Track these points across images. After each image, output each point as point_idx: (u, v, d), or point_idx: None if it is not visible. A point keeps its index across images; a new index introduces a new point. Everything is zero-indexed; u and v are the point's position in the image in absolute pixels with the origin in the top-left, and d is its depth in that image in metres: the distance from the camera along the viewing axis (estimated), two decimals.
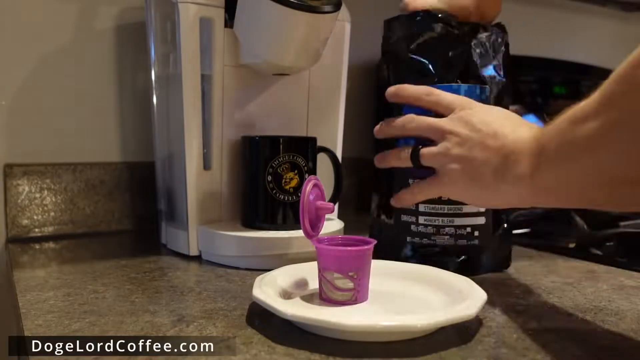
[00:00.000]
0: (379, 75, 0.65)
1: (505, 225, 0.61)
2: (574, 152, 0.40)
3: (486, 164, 0.48)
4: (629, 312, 0.48)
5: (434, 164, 0.53)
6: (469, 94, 0.56)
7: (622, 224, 0.80)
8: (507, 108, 0.57)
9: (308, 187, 0.49)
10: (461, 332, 0.42)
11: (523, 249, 0.71)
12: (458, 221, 0.58)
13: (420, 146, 0.54)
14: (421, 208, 0.59)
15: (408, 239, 0.60)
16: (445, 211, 0.58)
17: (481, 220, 0.58)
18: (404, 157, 0.56)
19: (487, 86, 0.58)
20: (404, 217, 0.60)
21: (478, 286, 0.46)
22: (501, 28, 0.62)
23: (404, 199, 0.58)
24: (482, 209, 0.58)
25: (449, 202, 0.57)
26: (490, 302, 0.48)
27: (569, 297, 0.52)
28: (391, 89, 0.56)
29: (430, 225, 0.59)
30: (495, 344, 0.41)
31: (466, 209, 0.58)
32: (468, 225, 0.58)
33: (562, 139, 0.41)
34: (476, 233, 0.58)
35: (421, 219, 0.59)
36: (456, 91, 0.56)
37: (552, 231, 0.82)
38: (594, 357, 0.38)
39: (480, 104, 0.53)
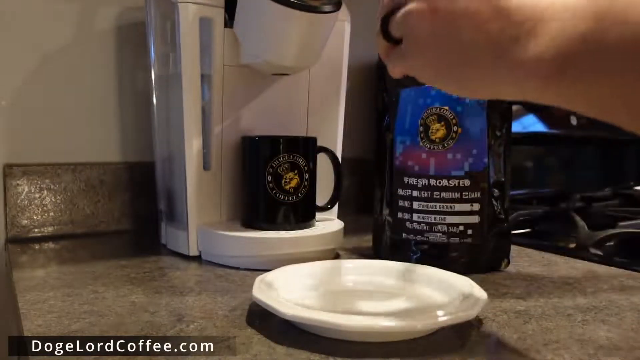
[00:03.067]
0: (379, 75, 0.65)
1: (505, 224, 0.61)
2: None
3: (475, 27, 0.33)
4: (629, 312, 0.48)
5: (400, 29, 0.38)
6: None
7: (622, 224, 0.80)
8: None
9: None
10: (461, 332, 0.42)
11: (523, 249, 0.71)
12: (450, 219, 0.58)
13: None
14: (415, 205, 0.59)
15: (404, 235, 0.60)
16: (437, 209, 0.58)
17: (474, 219, 0.58)
18: (377, 33, 0.41)
19: None
20: (400, 214, 0.61)
21: (478, 286, 0.46)
22: None
23: (389, 71, 0.42)
24: (476, 207, 0.58)
25: (441, 200, 0.58)
26: (490, 302, 0.48)
27: (569, 297, 0.52)
28: None
29: (423, 222, 0.59)
30: (495, 344, 0.40)
31: (458, 208, 0.58)
32: (461, 224, 0.58)
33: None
34: (469, 231, 0.58)
35: (415, 216, 0.60)
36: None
37: (552, 231, 0.82)
38: (593, 357, 0.38)
39: None
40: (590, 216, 0.81)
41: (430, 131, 0.59)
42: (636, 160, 1.25)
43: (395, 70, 0.40)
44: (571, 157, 1.14)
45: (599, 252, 0.72)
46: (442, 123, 0.59)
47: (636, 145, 1.22)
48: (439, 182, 0.59)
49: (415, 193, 0.60)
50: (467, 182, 0.58)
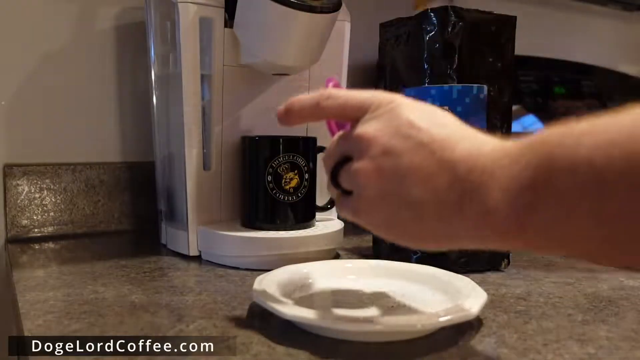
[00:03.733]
0: (379, 75, 0.65)
1: None
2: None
3: (422, 183, 0.32)
4: (629, 312, 0.48)
5: (348, 184, 0.38)
6: (462, 96, 0.55)
7: None
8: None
9: (329, 87, 0.43)
10: (461, 332, 0.42)
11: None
12: None
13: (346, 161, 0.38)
14: None
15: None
16: None
17: None
18: (328, 183, 0.41)
19: (484, 86, 0.56)
20: None
21: (478, 286, 0.46)
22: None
23: (339, 213, 0.42)
24: None
25: None
26: (490, 302, 0.48)
27: (569, 297, 0.52)
28: (279, 109, 0.41)
29: None
30: (495, 344, 0.40)
31: None
32: None
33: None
34: None
35: None
36: (447, 92, 0.55)
37: None
38: (594, 357, 0.38)
39: (406, 99, 0.37)
40: None
41: None
42: None
43: (344, 216, 0.40)
44: None
45: None
46: None
47: None
48: None
49: None
50: None
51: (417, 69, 0.61)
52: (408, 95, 0.61)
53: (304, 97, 0.40)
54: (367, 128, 0.36)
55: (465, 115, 0.58)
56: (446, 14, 0.58)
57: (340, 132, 0.40)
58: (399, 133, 0.34)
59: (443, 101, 0.59)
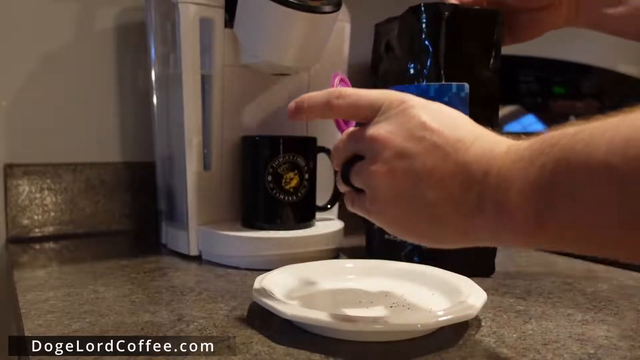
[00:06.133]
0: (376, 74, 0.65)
1: None
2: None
3: (437, 185, 0.33)
4: (629, 312, 0.48)
5: (361, 184, 0.38)
6: (440, 95, 0.54)
7: None
8: None
9: (335, 81, 0.44)
10: (461, 332, 0.42)
11: (523, 249, 0.71)
12: None
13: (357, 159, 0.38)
14: None
15: (386, 236, 0.60)
16: None
17: None
18: (338, 179, 0.41)
19: (465, 84, 0.55)
20: None
21: (478, 286, 0.46)
22: None
23: (348, 208, 0.42)
24: None
25: None
26: (490, 302, 0.48)
27: (569, 297, 0.52)
28: (290, 105, 0.41)
29: None
30: (495, 343, 0.41)
31: None
32: None
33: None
34: None
35: None
36: (425, 91, 0.55)
37: None
38: (593, 357, 0.38)
39: (418, 99, 0.36)
40: None
41: None
42: None
43: (355, 212, 0.40)
44: None
45: None
46: None
47: None
48: None
49: None
50: None
51: (403, 67, 0.61)
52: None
53: (315, 95, 0.40)
54: (380, 130, 0.36)
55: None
56: (430, 10, 0.58)
57: (350, 129, 0.40)
58: (412, 135, 0.34)
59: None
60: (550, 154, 0.29)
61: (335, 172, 0.42)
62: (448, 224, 0.33)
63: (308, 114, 0.41)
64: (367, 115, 0.38)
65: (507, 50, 0.62)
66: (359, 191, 0.38)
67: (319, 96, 0.40)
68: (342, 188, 0.41)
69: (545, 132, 0.30)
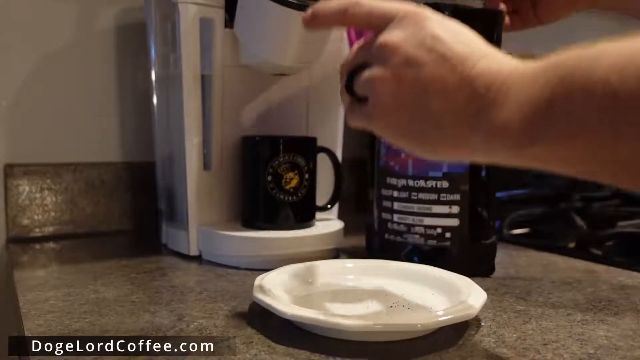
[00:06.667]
0: None
1: (489, 229, 0.60)
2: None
3: (442, 95, 0.33)
4: (628, 312, 0.48)
5: (365, 90, 0.38)
6: None
7: (621, 223, 0.80)
8: None
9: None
10: (461, 332, 0.42)
11: (523, 249, 0.71)
12: (427, 221, 0.58)
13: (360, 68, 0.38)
14: (395, 206, 0.59)
15: (386, 236, 0.60)
16: (415, 210, 0.58)
17: (454, 222, 0.58)
18: (342, 89, 0.41)
19: None
20: (383, 215, 0.61)
21: (478, 286, 0.46)
22: None
23: (348, 122, 0.42)
24: (455, 210, 0.57)
25: (419, 201, 0.57)
26: (490, 302, 0.48)
27: (569, 297, 0.52)
28: (305, 14, 0.40)
29: (402, 223, 0.59)
30: (495, 343, 0.41)
31: (435, 210, 0.57)
32: (438, 226, 0.58)
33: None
34: (447, 235, 0.58)
35: (395, 217, 0.59)
36: None
37: (552, 231, 0.82)
38: (593, 357, 0.38)
39: (433, 13, 0.36)
40: (590, 216, 0.81)
41: None
42: None
43: (356, 123, 0.40)
44: None
45: (599, 252, 0.72)
46: None
47: None
48: (417, 183, 0.58)
49: (395, 193, 0.60)
50: (445, 184, 0.57)
51: None
52: None
53: (331, 3, 0.39)
54: (392, 36, 0.36)
55: None
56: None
57: (361, 41, 0.40)
58: (423, 44, 0.34)
59: None
60: (556, 71, 0.29)
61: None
62: (447, 135, 0.34)
63: (324, 22, 0.40)
64: (380, 25, 0.37)
65: (507, 50, 0.62)
66: (362, 102, 0.38)
67: (335, 4, 0.39)
68: (345, 99, 0.41)
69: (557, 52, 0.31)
